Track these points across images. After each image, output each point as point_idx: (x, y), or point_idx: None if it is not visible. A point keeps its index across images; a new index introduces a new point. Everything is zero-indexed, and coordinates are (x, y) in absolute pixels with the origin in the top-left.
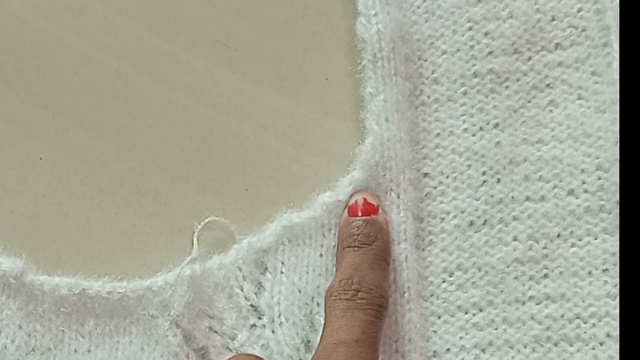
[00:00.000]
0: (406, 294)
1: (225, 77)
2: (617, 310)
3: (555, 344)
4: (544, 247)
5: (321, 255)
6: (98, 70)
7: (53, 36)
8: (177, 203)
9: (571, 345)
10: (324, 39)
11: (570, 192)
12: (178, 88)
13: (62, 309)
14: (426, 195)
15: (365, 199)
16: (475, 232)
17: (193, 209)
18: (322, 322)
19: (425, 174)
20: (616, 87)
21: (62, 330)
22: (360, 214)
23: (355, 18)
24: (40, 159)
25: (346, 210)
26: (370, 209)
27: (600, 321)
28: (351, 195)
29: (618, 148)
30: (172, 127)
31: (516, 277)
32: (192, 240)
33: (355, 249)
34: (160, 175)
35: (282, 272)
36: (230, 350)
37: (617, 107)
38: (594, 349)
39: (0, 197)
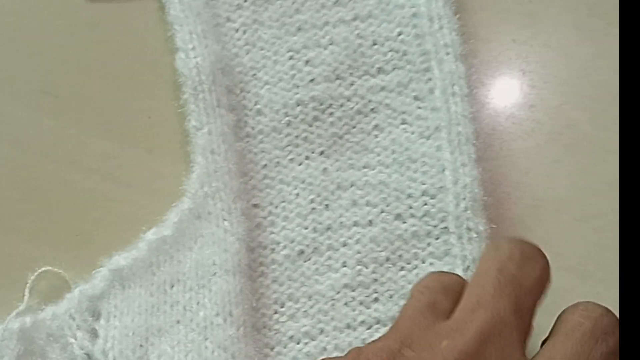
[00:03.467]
0: (241, 328)
1: (49, 125)
2: None
3: None
4: (373, 272)
5: (151, 294)
6: None
7: None
8: (8, 255)
9: None
10: (144, 78)
11: (398, 217)
12: (2, 139)
13: None
14: (256, 225)
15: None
16: (305, 261)
17: (25, 260)
18: None
19: (255, 205)
20: (440, 114)
21: None
22: None
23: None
24: None
25: None
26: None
27: None
28: None
29: (447, 176)
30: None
31: (346, 303)
32: (25, 292)
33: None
34: None
35: (115, 317)
36: None
37: (441, 134)
38: None
39: None
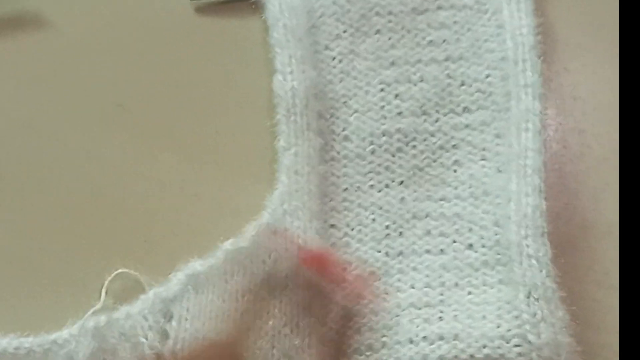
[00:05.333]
0: (306, 339)
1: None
2: (512, 352)
3: None
4: (440, 294)
5: (223, 301)
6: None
7: None
8: (85, 258)
9: None
10: (235, 95)
11: (470, 247)
12: (81, 151)
13: None
14: (331, 245)
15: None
16: (375, 282)
17: (101, 263)
18: None
19: (332, 225)
20: (512, 149)
21: None
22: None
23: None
24: None
25: None
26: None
27: None
28: None
29: (512, 206)
30: (79, 187)
31: (410, 320)
32: (101, 292)
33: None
34: (66, 233)
35: (186, 319)
36: None
37: (511, 166)
38: None
39: None
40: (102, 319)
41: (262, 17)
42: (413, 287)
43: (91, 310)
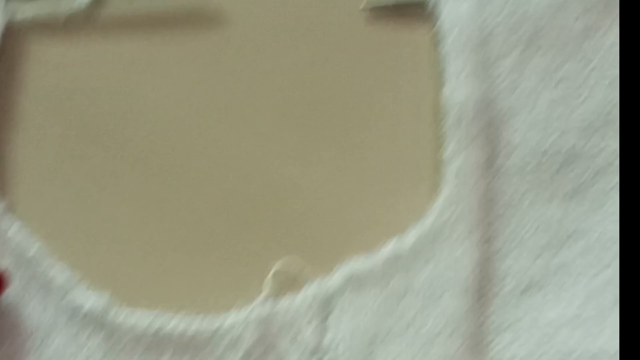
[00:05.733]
0: (464, 345)
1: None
2: None
3: None
4: (597, 312)
5: (383, 300)
6: (179, 131)
7: (133, 94)
8: (251, 248)
9: None
10: (407, 104)
11: None
12: (256, 151)
13: (140, 343)
14: (488, 257)
15: None
16: (530, 295)
17: (264, 256)
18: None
19: (491, 237)
20: None
21: None
22: None
23: (439, 87)
24: (123, 204)
25: None
26: None
27: None
28: None
29: None
30: (250, 181)
31: (567, 335)
32: (266, 279)
33: None
34: (236, 223)
35: (346, 315)
36: None
37: None
38: None
39: (85, 237)
40: (265, 309)
41: (433, 29)
42: (571, 304)
43: (255, 302)
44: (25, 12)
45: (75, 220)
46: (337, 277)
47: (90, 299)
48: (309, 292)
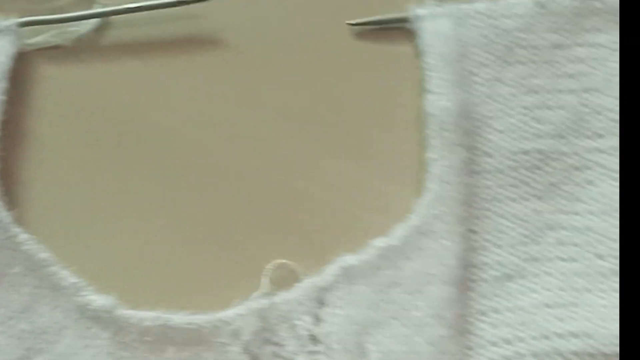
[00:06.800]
0: (450, 330)
1: (301, 143)
2: None
3: None
4: (573, 297)
5: (373, 292)
6: (177, 137)
7: (136, 111)
8: (246, 249)
9: None
10: (388, 111)
11: (600, 257)
12: (249, 155)
13: (146, 338)
14: (471, 248)
15: None
16: (510, 283)
17: (260, 254)
18: (372, 349)
19: (472, 230)
20: None
21: (146, 356)
22: None
23: (418, 96)
24: (125, 210)
25: None
26: None
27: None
28: None
29: None
30: (245, 185)
31: (544, 318)
32: (261, 279)
33: None
34: (232, 226)
35: (339, 306)
36: None
37: None
38: None
39: (91, 246)
40: (265, 301)
41: (415, 44)
42: (547, 290)
43: (256, 294)
44: (35, 38)
45: (80, 229)
46: (330, 272)
47: (97, 300)
48: (304, 286)
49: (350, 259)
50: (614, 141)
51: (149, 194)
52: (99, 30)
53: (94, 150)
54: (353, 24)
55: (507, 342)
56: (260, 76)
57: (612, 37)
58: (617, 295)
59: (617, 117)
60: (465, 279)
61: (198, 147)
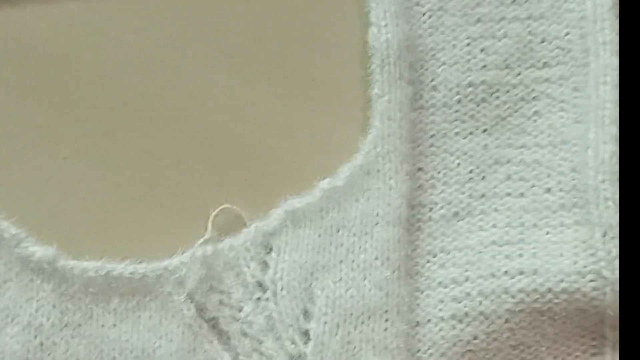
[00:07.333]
0: (396, 272)
1: (242, 84)
2: (588, 286)
3: (529, 314)
4: (520, 234)
5: (319, 235)
6: (114, 81)
7: (75, 52)
8: (190, 195)
9: (542, 316)
10: (331, 46)
11: (547, 191)
12: (189, 97)
13: (90, 289)
14: (418, 186)
15: None
16: (458, 221)
17: (204, 200)
18: (319, 294)
19: (420, 169)
20: (590, 101)
21: (91, 307)
22: None
23: (362, 30)
24: (65, 158)
25: None
26: None
27: (571, 296)
28: None
29: (589, 153)
30: (186, 128)
31: (492, 256)
32: (207, 225)
33: None
34: (174, 171)
35: (285, 252)
36: (237, 320)
37: (589, 117)
38: (564, 322)
39: (31, 196)
40: (209, 249)
41: None
42: (494, 227)
43: (199, 241)
44: None
45: (19, 177)
46: (275, 216)
47: (39, 251)
48: (250, 231)
49: (295, 202)
50: (563, 71)
51: (89, 140)
52: None
53: (32, 96)
54: None
55: (456, 282)
56: (198, 12)
57: None
58: (565, 229)
59: (566, 45)
60: (413, 219)
61: (139, 90)
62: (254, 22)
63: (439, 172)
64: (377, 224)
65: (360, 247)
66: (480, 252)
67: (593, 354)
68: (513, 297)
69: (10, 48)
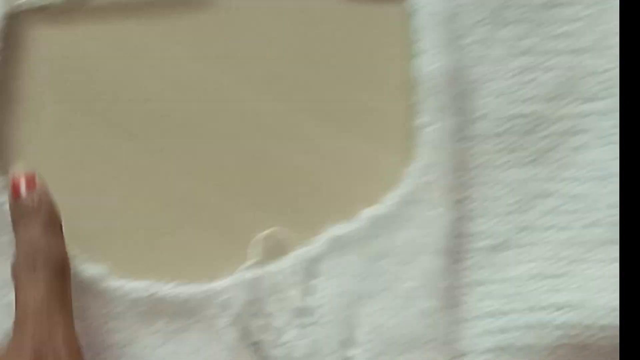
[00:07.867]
0: (440, 301)
1: (289, 111)
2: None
3: (571, 348)
4: (563, 267)
5: (364, 262)
6: (164, 103)
7: (126, 73)
8: (237, 218)
9: (583, 351)
10: (377, 76)
11: (591, 225)
12: (238, 121)
13: (135, 310)
14: (463, 216)
15: (23, 178)
16: (502, 252)
17: (250, 223)
18: (363, 321)
19: (464, 199)
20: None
21: (136, 328)
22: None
23: (408, 59)
24: (114, 178)
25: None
26: (30, 185)
27: (612, 332)
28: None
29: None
30: (234, 152)
31: (535, 289)
32: (252, 249)
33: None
34: (221, 194)
35: (329, 278)
36: (280, 345)
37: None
38: (605, 358)
39: (83, 217)
40: (256, 272)
41: (403, 3)
42: (537, 259)
43: (245, 265)
44: None
45: (70, 196)
46: (320, 242)
47: (89, 269)
48: (295, 256)
49: (340, 229)
50: (608, 103)
51: (140, 162)
52: None
53: (85, 115)
54: None
55: (500, 313)
56: (247, 39)
57: None
58: (607, 265)
59: (609, 78)
60: (457, 248)
61: (188, 113)
62: (301, 50)
63: (483, 203)
64: (421, 252)
65: (404, 276)
66: (523, 284)
67: None
68: (555, 330)
69: (62, 68)
